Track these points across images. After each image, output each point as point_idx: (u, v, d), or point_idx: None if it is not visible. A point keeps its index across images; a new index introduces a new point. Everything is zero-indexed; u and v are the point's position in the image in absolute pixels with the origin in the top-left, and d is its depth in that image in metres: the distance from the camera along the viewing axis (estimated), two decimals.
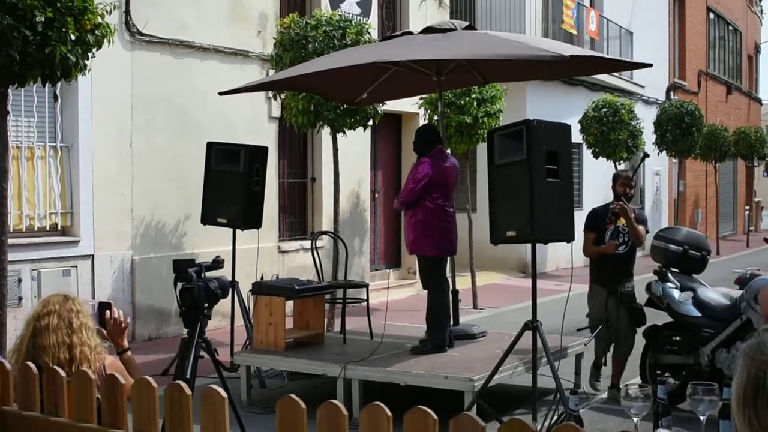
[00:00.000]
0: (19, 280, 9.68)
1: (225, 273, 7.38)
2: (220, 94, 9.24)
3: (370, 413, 2.44)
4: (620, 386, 7.79)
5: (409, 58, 8.05)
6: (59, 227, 10.48)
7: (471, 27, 8.42)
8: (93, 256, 10.62)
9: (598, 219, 8.12)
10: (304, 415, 2.55)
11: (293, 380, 8.75)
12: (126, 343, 4.29)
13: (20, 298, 9.61)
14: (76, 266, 10.40)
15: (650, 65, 8.51)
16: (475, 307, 13.90)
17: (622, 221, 7.99)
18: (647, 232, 8.12)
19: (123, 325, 4.28)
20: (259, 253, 10.50)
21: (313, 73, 8.31)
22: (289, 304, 8.54)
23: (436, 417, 2.36)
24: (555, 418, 6.28)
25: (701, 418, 3.40)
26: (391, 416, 2.41)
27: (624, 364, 8.29)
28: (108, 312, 4.21)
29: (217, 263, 5.28)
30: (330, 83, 9.14)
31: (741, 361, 2.13)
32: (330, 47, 10.48)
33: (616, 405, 7.38)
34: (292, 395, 2.58)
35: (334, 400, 2.51)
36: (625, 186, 8.10)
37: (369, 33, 11.19)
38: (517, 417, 2.29)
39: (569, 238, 6.61)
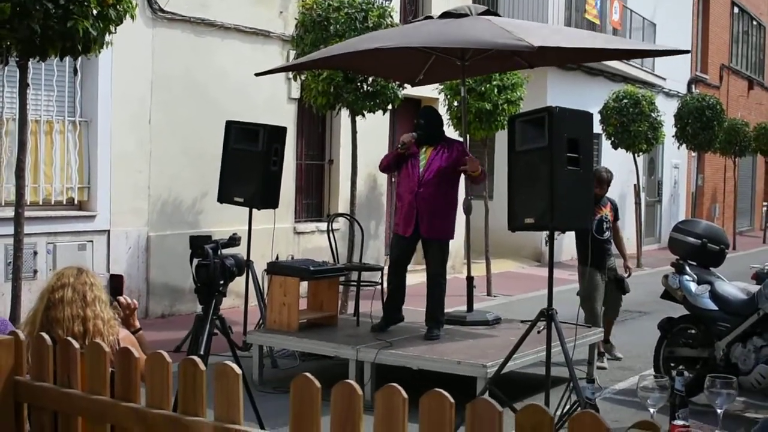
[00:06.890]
0: (35, 253, 9.70)
1: (240, 252, 7.36)
2: (257, 74, 9.15)
3: (386, 395, 2.41)
4: (611, 341, 9.66)
5: (397, 45, 7.99)
6: (76, 202, 10.49)
7: (488, 12, 8.31)
8: (109, 231, 10.63)
9: None
10: (319, 394, 2.53)
11: (305, 361, 8.75)
12: (138, 324, 4.30)
13: (35, 271, 9.63)
14: (91, 241, 10.42)
15: (687, 51, 8.45)
16: (489, 294, 13.87)
17: (603, 211, 9.21)
18: (617, 219, 9.63)
19: (132, 307, 4.30)
20: (275, 234, 10.48)
21: (366, 53, 8.36)
22: (303, 286, 8.53)
23: (452, 400, 2.33)
24: (567, 407, 6.24)
25: (718, 411, 3.37)
26: (407, 398, 2.38)
27: (611, 324, 9.62)
28: (121, 294, 4.25)
29: (233, 240, 5.25)
30: (387, 64, 9.29)
31: None
32: (351, 29, 10.43)
33: (630, 396, 7.36)
34: (307, 374, 2.56)
35: (349, 380, 2.48)
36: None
37: (391, 16, 11.11)
38: (535, 403, 2.26)
39: (587, 227, 6.59)
